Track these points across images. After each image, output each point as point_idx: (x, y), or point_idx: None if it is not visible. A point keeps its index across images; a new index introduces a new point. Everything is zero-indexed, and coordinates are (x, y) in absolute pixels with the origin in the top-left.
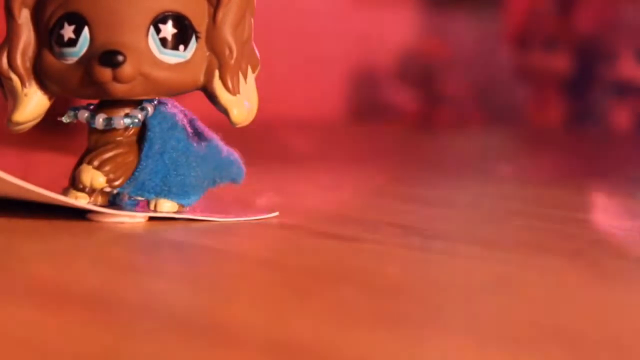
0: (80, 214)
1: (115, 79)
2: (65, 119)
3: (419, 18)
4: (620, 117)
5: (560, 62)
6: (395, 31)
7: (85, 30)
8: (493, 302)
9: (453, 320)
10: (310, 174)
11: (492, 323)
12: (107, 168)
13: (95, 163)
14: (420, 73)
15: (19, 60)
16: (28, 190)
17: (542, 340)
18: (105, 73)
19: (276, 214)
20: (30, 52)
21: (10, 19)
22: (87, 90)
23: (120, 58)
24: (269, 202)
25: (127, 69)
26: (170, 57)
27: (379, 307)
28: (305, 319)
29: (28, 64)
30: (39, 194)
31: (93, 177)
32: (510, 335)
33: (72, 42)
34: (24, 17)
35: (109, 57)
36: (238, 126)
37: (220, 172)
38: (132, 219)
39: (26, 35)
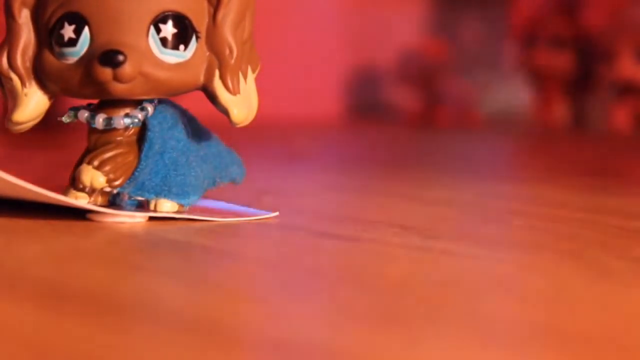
0: (80, 214)
1: (116, 78)
2: (65, 119)
3: (420, 18)
4: (620, 117)
5: (564, 61)
6: (396, 31)
7: (86, 30)
8: (493, 302)
9: (453, 320)
10: (310, 173)
11: (492, 323)
12: (107, 168)
13: (95, 163)
14: (420, 73)
15: (19, 60)
16: (28, 190)
17: (542, 340)
18: (106, 73)
19: (276, 214)
20: (30, 52)
21: (10, 19)
22: (88, 89)
23: (120, 58)
24: (269, 202)
25: (127, 69)
26: (171, 57)
27: (379, 307)
28: (305, 319)
29: (28, 64)
30: (39, 194)
31: (93, 177)
32: (510, 335)
33: (73, 42)
34: (24, 17)
35: (110, 57)
36: (238, 126)
37: (220, 172)
38: (132, 219)
39: (26, 35)
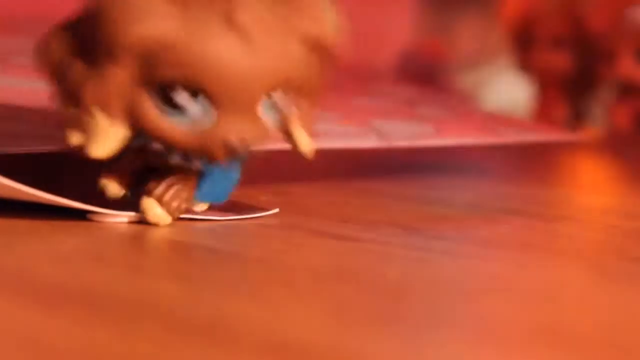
0: (80, 214)
1: (229, 153)
2: (135, 144)
3: (419, 17)
4: (620, 117)
5: (564, 61)
6: (395, 30)
7: (203, 99)
8: (493, 302)
9: (453, 320)
10: (310, 173)
11: (492, 323)
12: (175, 204)
13: (167, 198)
14: (420, 73)
15: (111, 100)
16: (25, 192)
17: (542, 341)
18: (234, 155)
19: (276, 210)
20: (124, 93)
21: (112, 59)
22: (189, 148)
23: (245, 150)
24: (269, 201)
25: (244, 152)
26: (270, 118)
27: (379, 307)
28: (305, 319)
29: (118, 104)
30: (37, 195)
31: (160, 217)
32: (511, 335)
33: (185, 109)
34: (127, 61)
35: (236, 149)
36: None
37: None
38: (132, 219)
39: (125, 78)
